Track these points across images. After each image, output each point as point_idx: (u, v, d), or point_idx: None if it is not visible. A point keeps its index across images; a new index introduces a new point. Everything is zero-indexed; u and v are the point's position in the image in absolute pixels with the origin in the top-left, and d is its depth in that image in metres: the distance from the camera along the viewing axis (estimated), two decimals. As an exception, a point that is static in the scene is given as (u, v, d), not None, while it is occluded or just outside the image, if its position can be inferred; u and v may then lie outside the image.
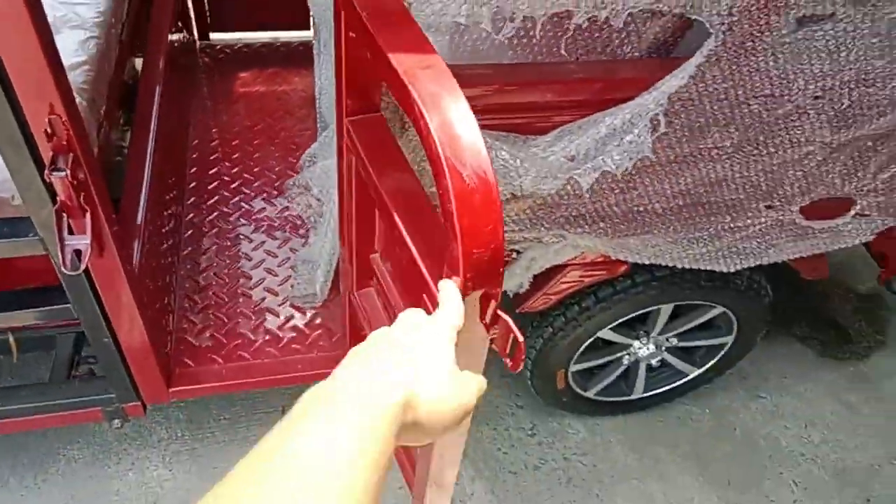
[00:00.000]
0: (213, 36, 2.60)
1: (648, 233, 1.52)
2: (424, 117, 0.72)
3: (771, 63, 1.21)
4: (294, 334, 1.74)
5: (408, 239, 0.90)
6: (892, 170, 1.51)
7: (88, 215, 1.14)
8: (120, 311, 1.38)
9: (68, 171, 1.07)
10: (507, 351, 0.76)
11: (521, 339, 0.76)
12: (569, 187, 1.25)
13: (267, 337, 1.73)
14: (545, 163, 1.21)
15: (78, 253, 1.16)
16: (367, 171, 1.01)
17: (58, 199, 1.11)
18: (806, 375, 2.46)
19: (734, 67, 1.19)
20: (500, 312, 0.77)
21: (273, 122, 2.34)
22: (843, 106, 1.32)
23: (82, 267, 1.15)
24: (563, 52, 1.17)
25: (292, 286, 1.81)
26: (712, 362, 2.11)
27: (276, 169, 2.18)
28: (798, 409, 2.37)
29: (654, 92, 1.16)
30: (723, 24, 1.12)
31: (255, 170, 2.18)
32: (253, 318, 1.77)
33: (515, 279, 1.58)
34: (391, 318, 1.14)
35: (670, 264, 1.58)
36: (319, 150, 1.72)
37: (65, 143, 1.07)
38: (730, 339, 2.03)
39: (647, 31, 1.28)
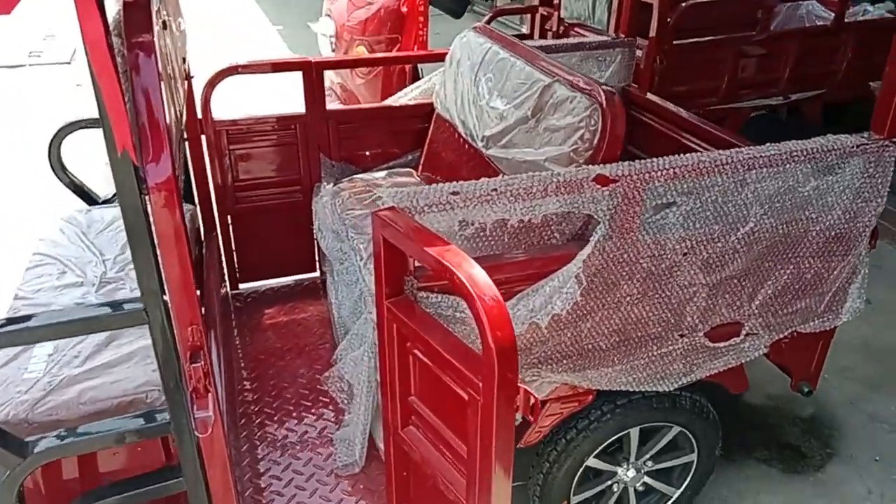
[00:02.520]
0: (242, 286, 3.27)
1: (601, 366, 2.06)
2: (458, 277, 1.33)
3: (645, 234, 1.88)
4: (343, 496, 2.16)
5: (452, 363, 1.45)
6: (759, 298, 2.13)
7: (210, 395, 1.66)
8: (217, 483, 1.82)
9: (202, 362, 1.61)
10: (529, 410, 1.29)
11: (536, 396, 1.30)
12: (533, 333, 1.82)
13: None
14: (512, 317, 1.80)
15: (203, 424, 1.66)
16: (411, 330, 1.58)
17: (191, 385, 1.64)
18: (776, 490, 2.85)
19: (621, 240, 1.85)
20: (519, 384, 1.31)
21: (297, 342, 2.93)
22: (705, 256, 1.98)
23: (209, 431, 1.64)
24: (506, 240, 1.82)
25: (335, 459, 2.26)
26: (687, 480, 2.52)
27: (306, 375, 2.72)
28: (773, 520, 2.73)
29: (576, 260, 1.80)
30: (606, 215, 1.80)
31: (289, 379, 2.71)
32: (307, 488, 2.19)
33: (510, 417, 2.08)
34: (434, 440, 1.63)
35: (622, 388, 2.11)
36: (347, 346, 2.29)
37: (199, 343, 1.63)
38: (694, 457, 2.47)
39: (565, 225, 1.97)
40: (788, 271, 2.11)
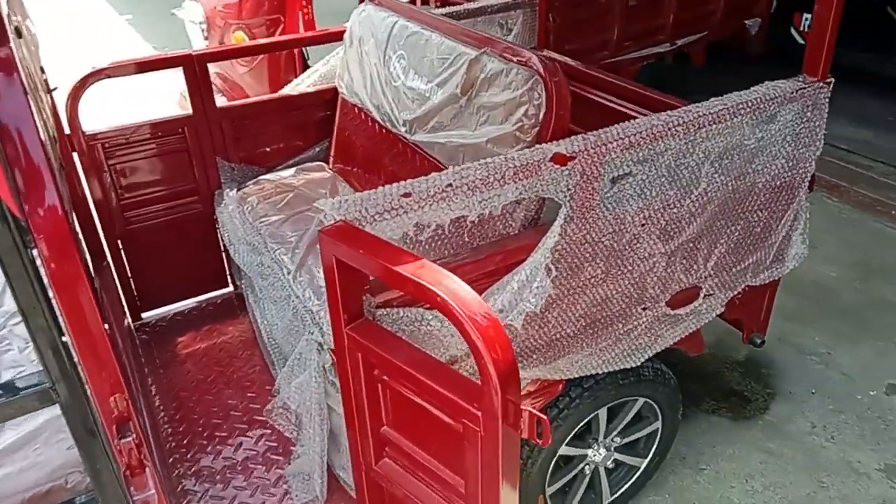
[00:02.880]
0: (146, 314, 2.90)
1: (569, 353, 1.94)
2: (441, 297, 1.13)
3: (605, 210, 1.76)
4: (309, 539, 1.93)
5: (438, 391, 1.26)
6: (713, 259, 2.07)
7: (148, 468, 1.39)
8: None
9: (133, 435, 1.34)
10: (537, 433, 1.12)
11: (544, 417, 1.14)
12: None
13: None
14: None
15: (146, 506, 1.39)
16: (379, 356, 1.37)
17: (123, 462, 1.36)
18: (729, 439, 2.89)
19: (583, 221, 1.71)
20: (521, 407, 1.13)
21: (222, 369, 2.62)
22: (663, 224, 1.88)
23: (157, 515, 1.37)
24: (465, 239, 1.64)
25: (293, 497, 2.02)
26: (654, 448, 2.48)
27: (240, 406, 2.44)
28: (735, 468, 2.76)
29: (541, 249, 1.65)
30: (566, 196, 1.65)
31: (221, 413, 2.42)
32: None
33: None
34: (419, 473, 1.44)
35: (592, 372, 2.00)
36: (289, 373, 2.04)
37: (126, 413, 1.34)
38: (659, 424, 2.43)
39: (517, 213, 1.81)
40: (739, 227, 2.06)
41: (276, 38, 2.80)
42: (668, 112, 1.79)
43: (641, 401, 2.32)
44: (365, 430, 1.57)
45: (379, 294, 1.54)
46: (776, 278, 2.26)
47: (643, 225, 1.85)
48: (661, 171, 1.81)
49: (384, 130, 2.46)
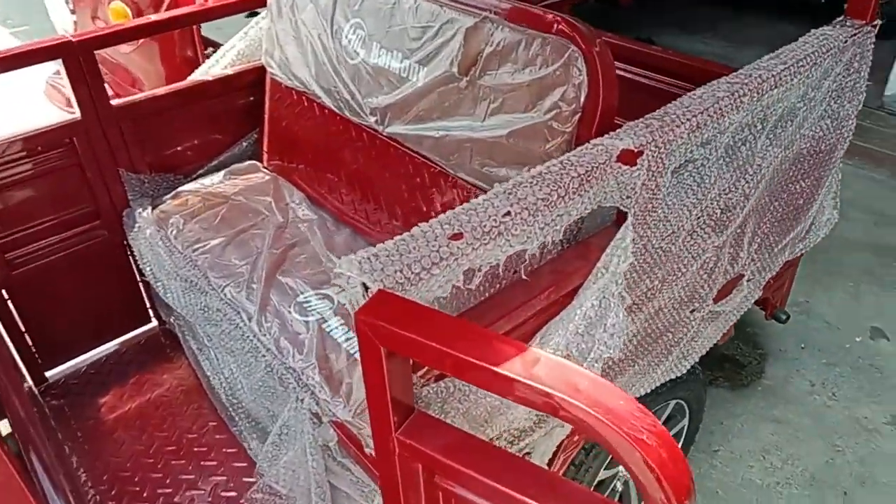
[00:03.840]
0: (51, 373, 2.32)
1: (617, 379, 1.61)
2: (594, 415, 0.74)
3: (665, 209, 1.41)
4: None
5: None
6: (757, 241, 1.79)
7: None
8: None
9: None
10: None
11: None
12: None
13: None
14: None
15: None
16: (451, 469, 0.97)
17: None
18: (734, 412, 2.71)
19: (644, 227, 1.36)
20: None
21: (165, 434, 2.12)
22: (718, 213, 1.56)
23: None
24: (522, 275, 1.24)
25: None
26: (679, 445, 2.24)
27: (199, 482, 1.96)
28: (748, 445, 2.58)
29: (608, 274, 1.28)
30: (633, 201, 1.29)
31: (175, 494, 1.93)
32: None
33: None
34: None
35: (640, 394, 1.69)
36: (273, 450, 1.60)
37: None
38: (686, 421, 2.18)
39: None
40: (783, 201, 1.78)
41: (180, 12, 2.20)
42: (728, 80, 1.44)
43: (673, 403, 2.05)
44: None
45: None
46: (809, 248, 2.02)
47: (698, 218, 1.52)
48: (720, 153, 1.48)
49: (340, 119, 1.98)
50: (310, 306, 1.73)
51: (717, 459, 2.54)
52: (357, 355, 1.59)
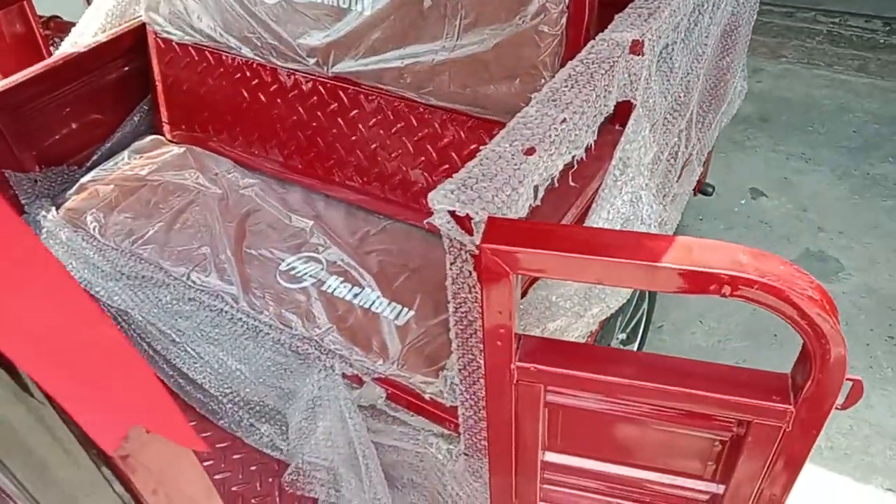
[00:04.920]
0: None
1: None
2: (759, 283, 0.75)
3: (656, 97, 1.45)
4: None
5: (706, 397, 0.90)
6: (700, 120, 1.89)
7: None
8: None
9: None
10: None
11: (860, 379, 0.87)
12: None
13: None
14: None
15: None
16: (574, 380, 0.97)
17: None
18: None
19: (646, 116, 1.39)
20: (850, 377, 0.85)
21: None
22: (682, 98, 1.63)
23: None
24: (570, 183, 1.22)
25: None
26: (641, 330, 2.39)
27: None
28: (683, 314, 2.82)
29: (630, 168, 1.30)
30: (639, 91, 1.30)
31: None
32: None
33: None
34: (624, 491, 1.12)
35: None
36: (305, 425, 1.49)
37: None
38: (646, 305, 2.32)
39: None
40: (714, 78, 1.90)
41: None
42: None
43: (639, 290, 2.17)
44: (526, 466, 1.17)
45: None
46: (728, 120, 2.18)
47: (670, 104, 1.58)
48: (681, 36, 1.53)
49: (266, 70, 1.80)
50: (298, 273, 1.60)
51: (663, 334, 2.75)
52: (371, 307, 1.52)
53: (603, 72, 1.15)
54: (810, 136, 3.58)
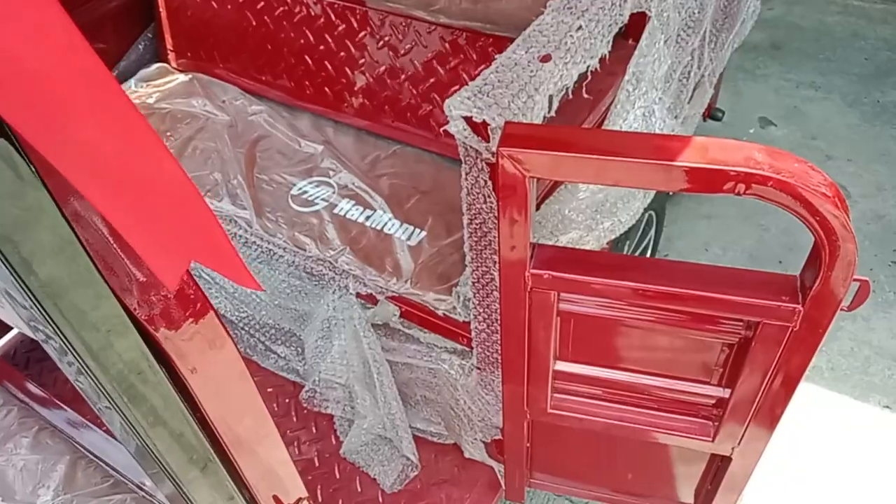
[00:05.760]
0: (-5, 348, 2.04)
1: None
2: (774, 179, 0.77)
3: (669, 10, 1.42)
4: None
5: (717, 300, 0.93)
6: (713, 40, 1.86)
7: None
8: None
9: None
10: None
11: (867, 280, 0.89)
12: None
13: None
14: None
15: None
16: (580, 285, 0.99)
17: None
18: (669, 218, 2.95)
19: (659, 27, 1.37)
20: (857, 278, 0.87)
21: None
22: (696, 14, 1.61)
23: None
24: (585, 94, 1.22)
25: (379, 477, 1.63)
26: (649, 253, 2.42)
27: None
28: (689, 243, 2.84)
29: (643, 82, 1.29)
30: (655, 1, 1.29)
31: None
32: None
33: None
34: (637, 398, 1.15)
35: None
36: (321, 344, 1.53)
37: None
38: (653, 231, 2.34)
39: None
40: (728, -3, 1.86)
41: None
42: None
43: (647, 215, 2.18)
44: (538, 374, 1.21)
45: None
46: (743, 40, 2.14)
47: (684, 20, 1.56)
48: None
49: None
50: (309, 196, 1.62)
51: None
52: (383, 228, 1.54)
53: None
54: (821, 64, 3.52)
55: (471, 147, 0.95)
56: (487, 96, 0.93)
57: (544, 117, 1.03)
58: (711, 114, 2.39)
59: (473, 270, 1.15)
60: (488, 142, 0.93)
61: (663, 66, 1.27)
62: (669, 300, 0.98)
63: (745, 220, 2.88)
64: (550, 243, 1.15)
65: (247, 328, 1.78)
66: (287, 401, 1.83)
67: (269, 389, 1.86)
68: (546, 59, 0.99)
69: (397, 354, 1.52)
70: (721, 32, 1.89)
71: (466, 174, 1.01)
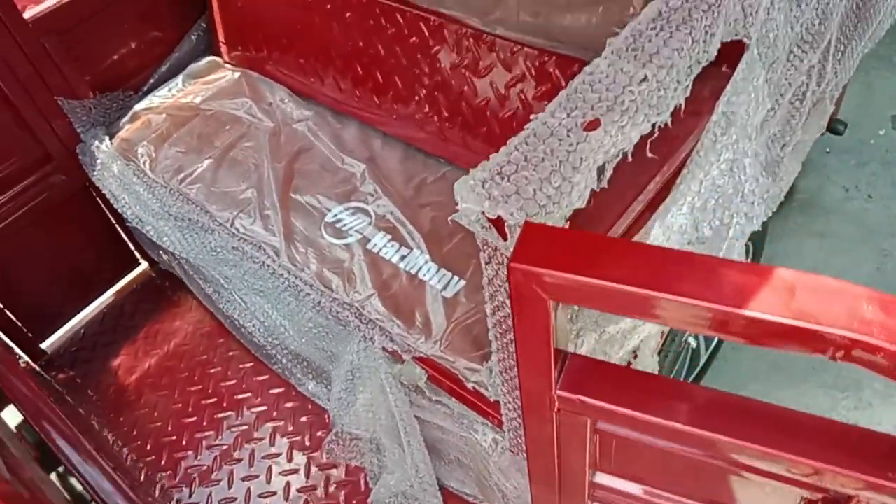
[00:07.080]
0: (48, 346, 2.04)
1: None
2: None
3: (776, 31, 1.13)
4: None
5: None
6: (840, 50, 1.53)
7: None
8: None
9: None
10: None
11: None
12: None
13: None
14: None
15: None
16: (622, 417, 0.77)
17: None
18: (774, 233, 2.59)
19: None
20: None
21: (200, 386, 1.90)
22: (816, 26, 1.29)
23: None
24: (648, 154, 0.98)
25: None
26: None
27: (255, 433, 1.77)
28: (796, 265, 2.45)
29: (734, 127, 1.03)
30: (754, 27, 1.01)
31: (235, 452, 1.76)
32: None
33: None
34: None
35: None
36: (345, 394, 1.39)
37: None
38: (749, 260, 2.04)
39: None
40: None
41: None
42: None
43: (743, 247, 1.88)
44: (572, 487, 1.01)
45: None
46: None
47: (798, 35, 1.25)
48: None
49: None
50: (344, 226, 1.46)
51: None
52: (417, 273, 1.35)
53: (705, 7, 0.87)
54: (978, 54, 2.98)
55: (488, 241, 0.74)
56: (508, 181, 0.72)
57: (591, 192, 0.81)
58: (831, 127, 2.03)
59: (499, 361, 0.96)
60: (506, 240, 0.73)
61: (760, 112, 1.00)
62: (733, 451, 0.75)
63: (865, 242, 2.49)
64: (594, 337, 0.93)
65: (280, 354, 1.67)
66: (319, 434, 1.71)
67: (304, 419, 1.75)
68: (592, 125, 0.76)
69: (427, 413, 1.35)
70: (851, 40, 1.54)
71: (486, 264, 0.81)
